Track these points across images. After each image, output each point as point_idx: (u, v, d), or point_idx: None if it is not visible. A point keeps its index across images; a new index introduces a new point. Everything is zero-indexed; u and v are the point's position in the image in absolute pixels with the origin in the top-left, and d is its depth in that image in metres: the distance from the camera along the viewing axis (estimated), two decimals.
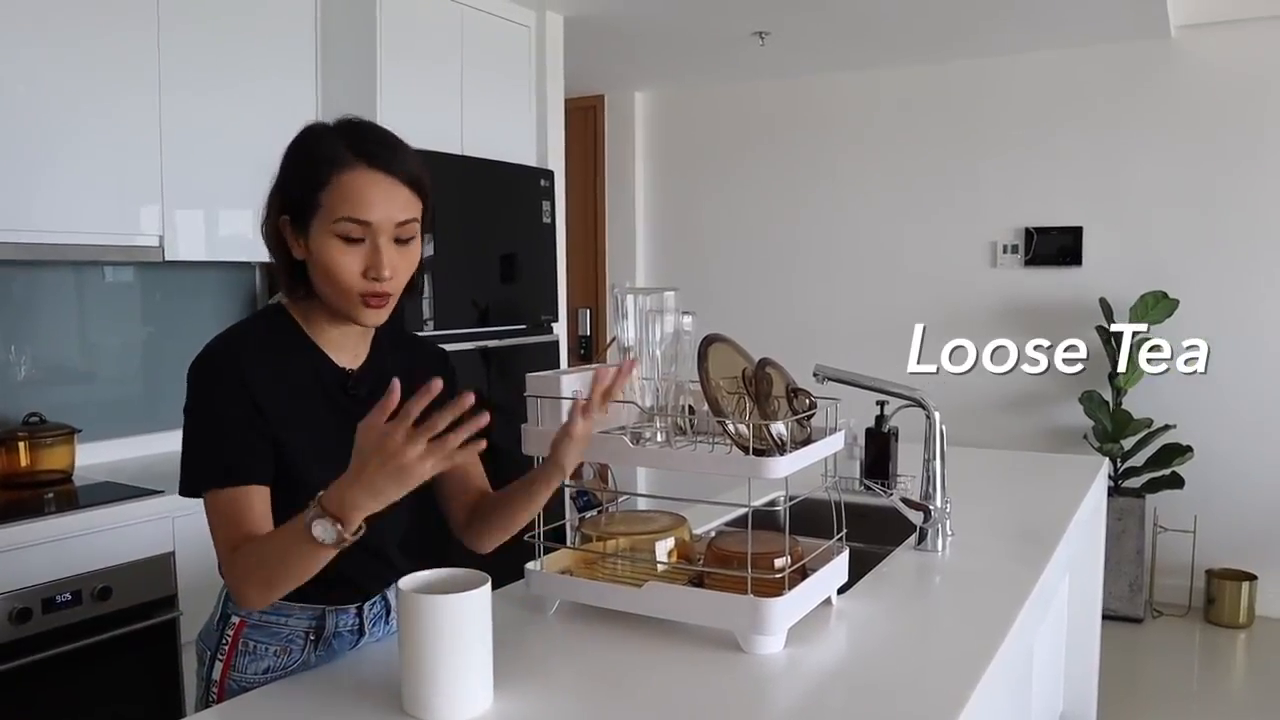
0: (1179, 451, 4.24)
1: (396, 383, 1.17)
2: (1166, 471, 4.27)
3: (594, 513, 2.25)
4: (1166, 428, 4.30)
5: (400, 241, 1.37)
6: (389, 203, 1.35)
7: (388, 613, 1.58)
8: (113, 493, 2.53)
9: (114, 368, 3.06)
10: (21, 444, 2.64)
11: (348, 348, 1.47)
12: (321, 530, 1.18)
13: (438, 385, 1.15)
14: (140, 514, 2.42)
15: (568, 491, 3.63)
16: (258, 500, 1.33)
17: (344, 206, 1.33)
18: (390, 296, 1.39)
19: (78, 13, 2.55)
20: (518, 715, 1.28)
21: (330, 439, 1.37)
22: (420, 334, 3.12)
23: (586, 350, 5.73)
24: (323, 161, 1.35)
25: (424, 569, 1.33)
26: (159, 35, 2.72)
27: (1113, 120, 4.53)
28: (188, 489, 1.35)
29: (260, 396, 1.35)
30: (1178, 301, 4.30)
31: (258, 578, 1.29)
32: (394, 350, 1.55)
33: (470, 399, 1.17)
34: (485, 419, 1.18)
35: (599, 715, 1.28)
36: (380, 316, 1.40)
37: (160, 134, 2.73)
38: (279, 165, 1.41)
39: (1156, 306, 4.30)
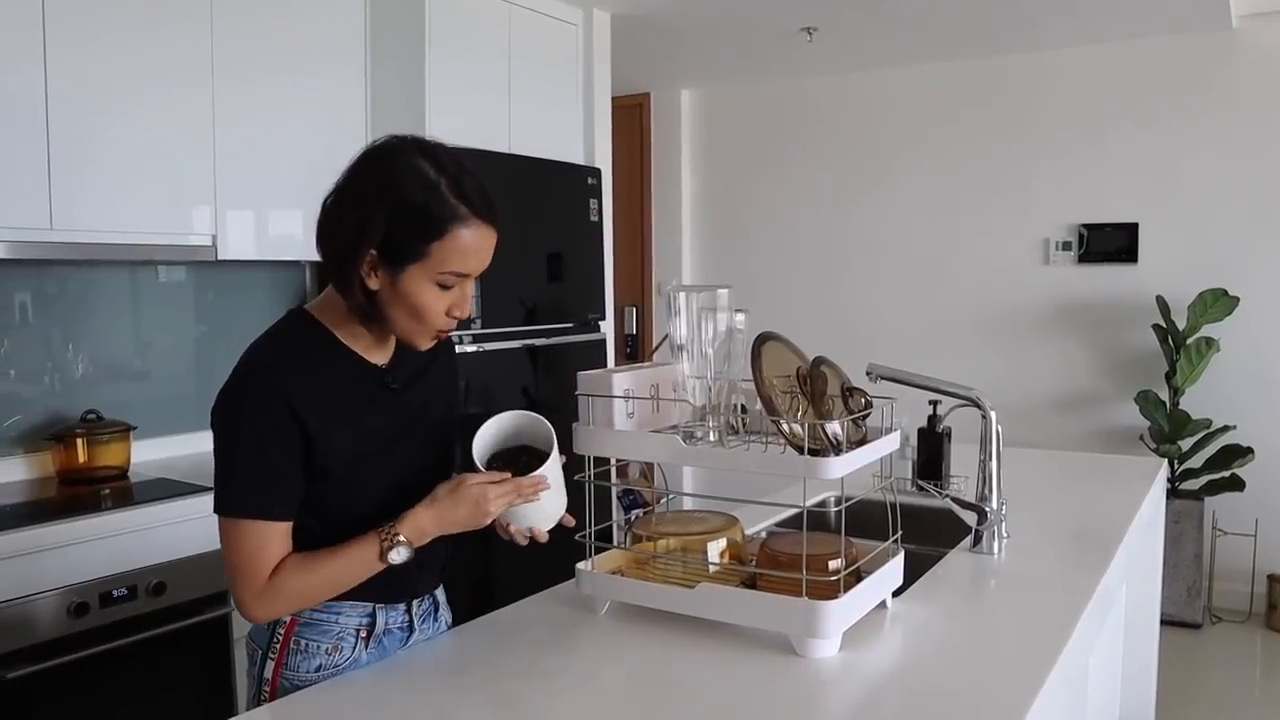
0: (1239, 453, 4.13)
1: (509, 475, 1.40)
2: (1226, 473, 4.16)
3: (641, 512, 2.24)
4: (1226, 428, 4.20)
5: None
6: (487, 255, 1.40)
7: (436, 609, 1.60)
8: (167, 489, 2.57)
9: (168, 366, 3.10)
10: (79, 440, 2.68)
11: (376, 347, 1.49)
12: (398, 556, 1.37)
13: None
14: (194, 510, 2.45)
15: (614, 491, 3.63)
16: (282, 537, 1.38)
17: (455, 261, 1.36)
18: None
19: (131, 13, 2.58)
20: (568, 716, 1.27)
21: (373, 435, 1.45)
22: (467, 333, 3.13)
23: (633, 349, 5.72)
24: (440, 215, 1.33)
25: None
26: (212, 35, 2.75)
27: (1170, 114, 4.43)
28: (223, 509, 1.37)
29: (301, 406, 1.36)
30: (1238, 299, 4.19)
31: (304, 597, 1.40)
32: None
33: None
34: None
35: (650, 718, 1.27)
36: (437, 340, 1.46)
37: (213, 134, 2.77)
38: (364, 188, 1.35)
39: (1216, 304, 4.19)
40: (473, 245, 1.36)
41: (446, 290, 1.38)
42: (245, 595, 1.36)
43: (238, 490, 1.36)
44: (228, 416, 1.37)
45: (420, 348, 1.44)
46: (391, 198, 1.33)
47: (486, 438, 1.43)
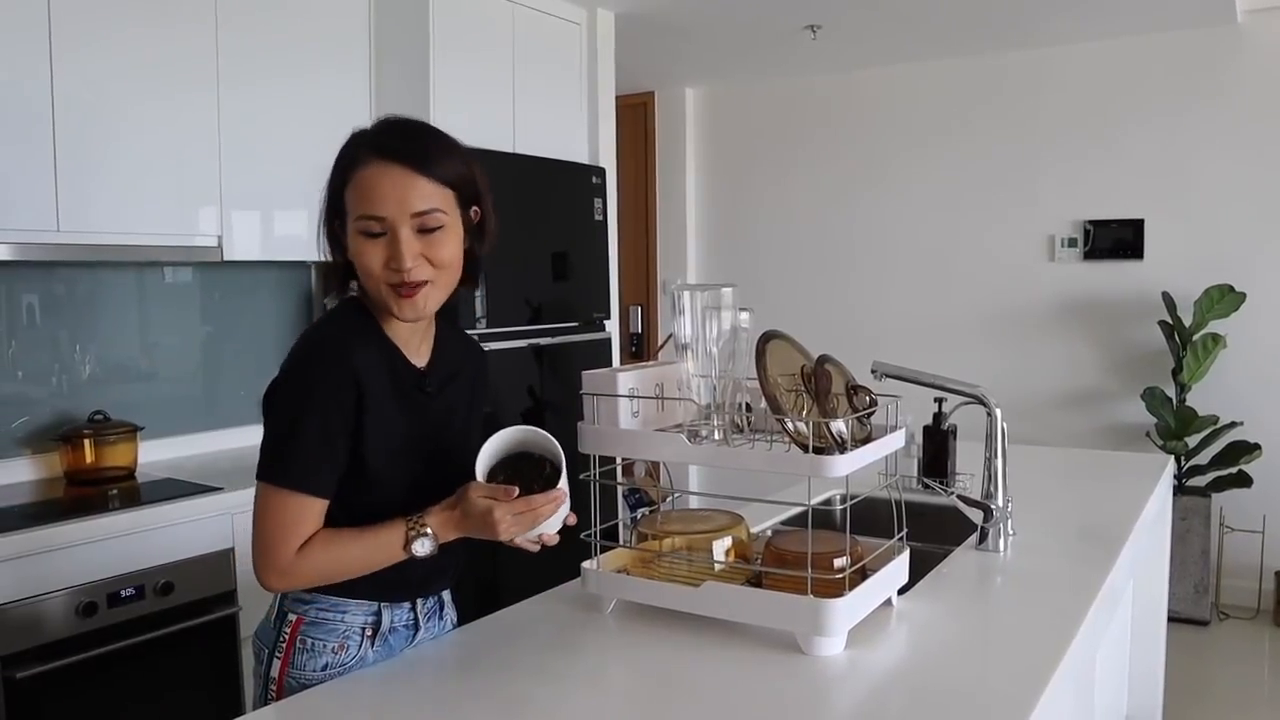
0: (1246, 449, 4.12)
1: (516, 489, 1.36)
2: (1233, 470, 4.15)
3: (646, 511, 2.24)
4: (1233, 425, 4.18)
5: (426, 231, 1.37)
6: (403, 193, 1.35)
7: (441, 608, 1.60)
8: (174, 489, 2.57)
9: (174, 366, 3.11)
10: (87, 441, 2.69)
11: (416, 344, 1.49)
12: (421, 547, 1.37)
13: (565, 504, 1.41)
14: (201, 510, 2.46)
15: (620, 490, 3.63)
16: (318, 515, 1.38)
17: (360, 204, 1.36)
18: (424, 286, 1.38)
19: (136, 16, 2.59)
20: (574, 715, 1.27)
21: (400, 434, 1.44)
22: (473, 332, 3.14)
23: (639, 348, 5.72)
24: (344, 164, 1.39)
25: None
26: (217, 37, 2.76)
27: (1176, 109, 4.42)
28: (272, 477, 1.36)
29: (366, 389, 1.37)
30: (1244, 295, 4.18)
31: (324, 575, 1.39)
32: (451, 346, 1.57)
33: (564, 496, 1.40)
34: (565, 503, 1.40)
35: (656, 716, 1.27)
36: (416, 308, 1.39)
37: (219, 135, 2.77)
38: None
39: (1222, 300, 4.18)
40: (373, 183, 1.34)
41: (374, 239, 1.36)
42: (269, 565, 1.36)
43: (293, 462, 1.35)
44: (297, 385, 1.37)
45: (399, 314, 1.40)
46: (332, 166, 1.42)
47: (488, 454, 1.41)
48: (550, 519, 1.40)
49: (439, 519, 1.38)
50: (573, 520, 1.46)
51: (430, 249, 1.37)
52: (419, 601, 1.53)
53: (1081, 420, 4.68)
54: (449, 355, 1.55)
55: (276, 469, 1.35)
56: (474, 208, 1.44)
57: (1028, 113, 4.75)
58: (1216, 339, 4.19)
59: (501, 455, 1.44)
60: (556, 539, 1.45)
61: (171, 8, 2.66)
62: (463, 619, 1.64)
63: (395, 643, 1.51)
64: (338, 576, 1.41)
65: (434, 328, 1.52)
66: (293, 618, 1.46)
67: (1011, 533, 1.97)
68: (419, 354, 1.49)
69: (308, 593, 1.45)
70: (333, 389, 1.36)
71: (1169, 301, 4.27)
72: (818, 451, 1.38)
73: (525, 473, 1.41)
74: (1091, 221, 4.61)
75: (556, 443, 1.42)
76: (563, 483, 1.40)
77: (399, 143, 1.38)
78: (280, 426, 1.37)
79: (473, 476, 1.40)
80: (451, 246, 1.40)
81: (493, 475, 1.41)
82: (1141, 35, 4.45)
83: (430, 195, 1.36)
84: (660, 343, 5.61)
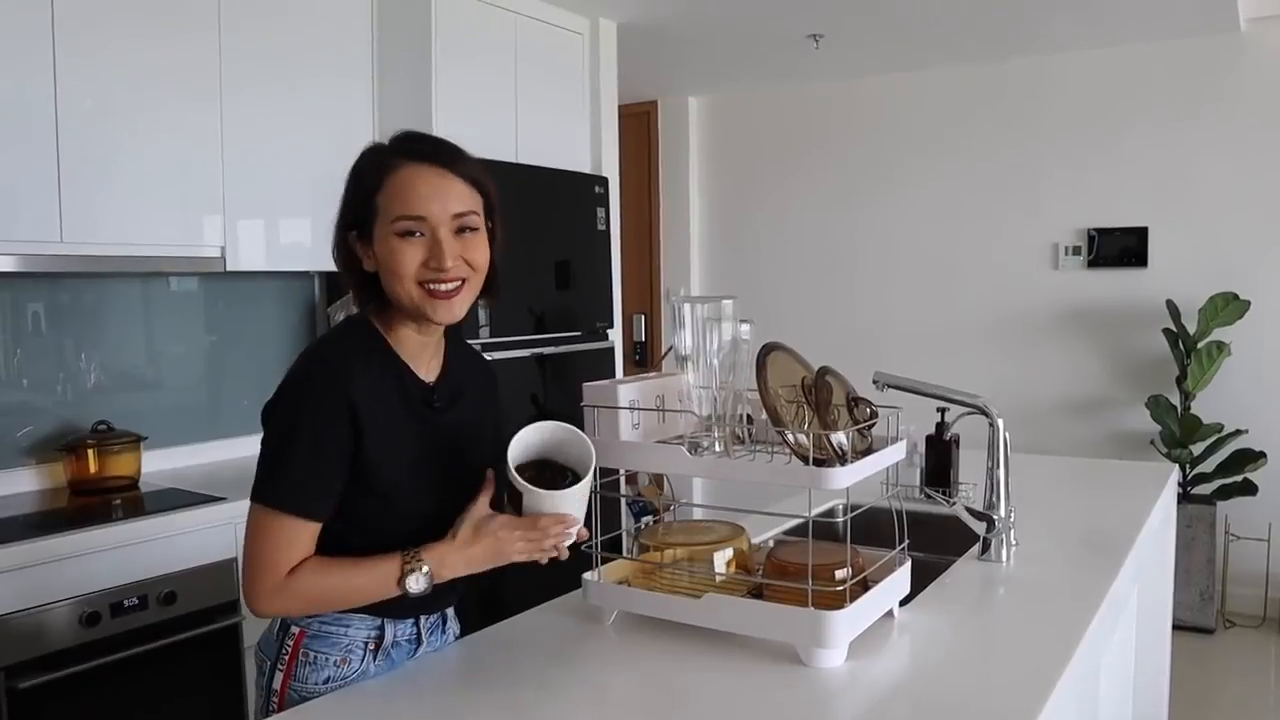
0: (1251, 457, 4.11)
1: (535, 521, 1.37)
2: (1238, 478, 4.14)
3: (650, 520, 2.24)
4: (1238, 433, 4.17)
5: (463, 231, 1.39)
6: (442, 195, 1.38)
7: (444, 622, 1.60)
8: (177, 499, 2.58)
9: (178, 376, 3.12)
10: (90, 451, 2.69)
11: (425, 360, 1.49)
12: (415, 583, 1.35)
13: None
14: (204, 520, 2.46)
15: (623, 500, 3.63)
16: (311, 538, 1.37)
17: (398, 205, 1.37)
18: (460, 287, 1.40)
19: (140, 25, 2.60)
20: None
21: (411, 451, 1.43)
22: (476, 341, 3.14)
23: (642, 357, 5.72)
24: (374, 169, 1.40)
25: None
26: (220, 47, 2.77)
27: (1179, 117, 4.42)
28: (264, 499, 1.35)
29: (362, 411, 1.36)
30: (1249, 303, 4.17)
31: (315, 601, 1.38)
32: (460, 363, 1.57)
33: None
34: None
35: None
36: (451, 311, 1.41)
37: (221, 145, 2.78)
38: (344, 187, 1.44)
39: (1227, 308, 4.18)
40: (413, 186, 1.36)
41: (411, 240, 1.36)
42: (259, 588, 1.35)
43: (285, 484, 1.34)
44: (289, 409, 1.36)
45: (433, 317, 1.40)
46: (349, 178, 1.43)
47: (524, 444, 1.40)
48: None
49: (436, 554, 1.37)
50: (585, 536, 1.46)
51: (467, 250, 1.40)
52: (422, 617, 1.53)
53: (1086, 428, 4.68)
54: (459, 371, 1.54)
55: (268, 490, 1.35)
56: (489, 221, 1.47)
57: (1031, 120, 4.75)
58: (1221, 347, 4.19)
59: (531, 456, 1.42)
60: (566, 553, 1.45)
61: (175, 17, 2.67)
62: (465, 630, 1.64)
63: (398, 657, 1.50)
64: (327, 606, 1.40)
65: (443, 343, 1.52)
66: (295, 630, 1.46)
67: (1014, 543, 1.97)
68: (428, 369, 1.49)
69: None
70: (326, 418, 1.35)
71: (1173, 309, 4.26)
72: (818, 463, 1.38)
73: (548, 481, 1.40)
74: (1095, 229, 4.61)
75: (590, 446, 1.41)
76: (581, 489, 1.38)
77: (428, 147, 1.41)
78: (273, 448, 1.37)
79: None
80: (485, 250, 1.43)
81: (519, 473, 1.39)
82: (1144, 43, 4.45)
83: (465, 196, 1.40)
84: (663, 352, 5.61)
